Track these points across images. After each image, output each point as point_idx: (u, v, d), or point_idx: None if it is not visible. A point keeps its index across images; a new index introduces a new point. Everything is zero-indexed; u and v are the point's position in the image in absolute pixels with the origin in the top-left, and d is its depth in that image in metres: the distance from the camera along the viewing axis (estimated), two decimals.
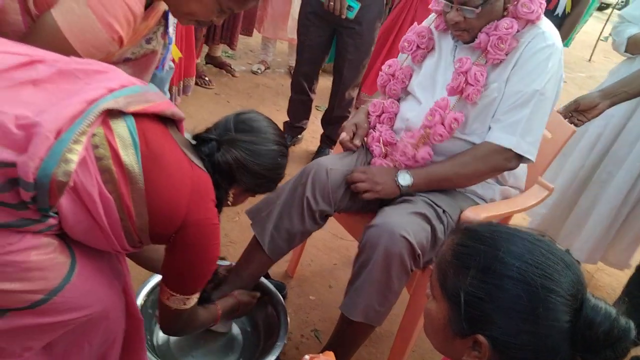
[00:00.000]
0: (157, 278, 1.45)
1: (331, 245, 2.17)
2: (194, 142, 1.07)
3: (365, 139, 1.60)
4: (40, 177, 0.74)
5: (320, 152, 2.81)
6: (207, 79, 3.33)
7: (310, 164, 1.47)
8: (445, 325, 0.74)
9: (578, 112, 1.67)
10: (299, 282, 1.93)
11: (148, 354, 1.22)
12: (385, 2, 2.47)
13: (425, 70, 1.52)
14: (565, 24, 2.51)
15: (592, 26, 7.69)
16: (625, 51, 1.99)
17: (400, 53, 1.61)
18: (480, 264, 0.70)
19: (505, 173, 1.48)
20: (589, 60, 6.99)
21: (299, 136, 2.93)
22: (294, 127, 2.84)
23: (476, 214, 1.39)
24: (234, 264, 1.49)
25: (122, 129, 0.85)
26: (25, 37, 0.98)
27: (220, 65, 3.58)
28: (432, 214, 1.34)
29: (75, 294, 0.87)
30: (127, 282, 1.05)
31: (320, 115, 2.88)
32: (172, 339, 1.45)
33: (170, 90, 2.42)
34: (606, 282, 2.40)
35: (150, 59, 1.22)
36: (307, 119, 2.85)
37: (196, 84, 3.26)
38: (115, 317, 0.99)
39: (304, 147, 2.96)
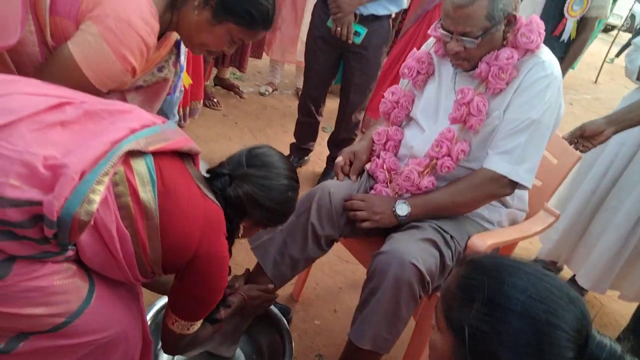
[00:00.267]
0: (162, 301, 1.45)
1: (337, 269, 2.17)
2: (208, 175, 1.10)
3: (367, 165, 1.62)
4: (63, 215, 0.78)
5: (326, 174, 2.82)
6: (215, 100, 3.37)
7: (314, 189, 1.48)
8: (449, 357, 0.73)
9: (584, 138, 1.68)
10: (304, 306, 1.92)
11: None
12: (392, 27, 2.50)
13: (427, 95, 1.53)
14: (571, 50, 2.53)
15: (598, 48, 7.74)
16: (638, 79, 2.00)
17: (401, 79, 1.63)
18: (485, 297, 0.70)
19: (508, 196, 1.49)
20: (595, 82, 7.00)
21: (306, 158, 2.95)
22: (301, 148, 2.86)
23: (483, 240, 1.39)
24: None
25: (141, 167, 0.89)
26: (42, 67, 1.02)
27: (228, 87, 3.63)
28: (440, 240, 1.35)
29: (94, 317, 0.90)
30: (140, 305, 1.08)
31: (326, 136, 2.90)
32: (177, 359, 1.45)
33: (177, 112, 2.46)
34: (614, 309, 2.37)
35: (162, 86, 1.25)
36: (314, 140, 2.88)
37: (205, 105, 3.31)
38: (133, 339, 1.02)
39: (310, 168, 2.98)
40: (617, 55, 8.44)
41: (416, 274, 1.25)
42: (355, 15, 2.27)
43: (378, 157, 1.58)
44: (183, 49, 1.31)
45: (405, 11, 3.22)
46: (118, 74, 1.04)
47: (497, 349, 0.67)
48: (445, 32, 1.34)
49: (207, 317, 1.14)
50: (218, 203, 1.03)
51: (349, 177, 1.55)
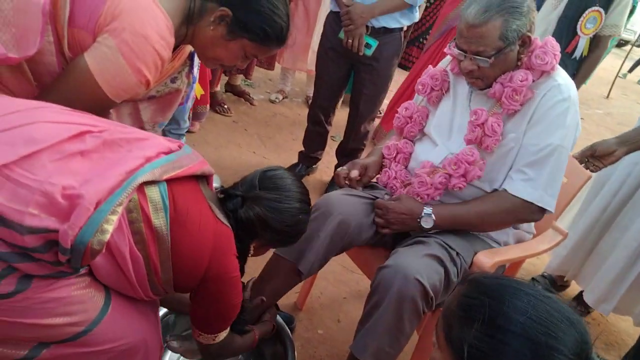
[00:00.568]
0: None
1: (341, 279, 2.17)
2: (221, 195, 1.12)
3: (378, 176, 1.63)
4: (77, 244, 0.80)
5: (333, 183, 2.83)
6: (225, 106, 3.41)
7: (329, 212, 1.45)
8: None
9: (594, 158, 1.68)
10: (307, 315, 1.93)
11: None
12: (402, 39, 2.52)
13: (441, 112, 1.54)
14: (583, 68, 2.51)
15: (611, 62, 7.70)
16: None
17: (416, 95, 1.64)
18: (485, 317, 0.70)
19: None
20: (607, 97, 6.96)
21: (314, 166, 2.97)
22: (309, 157, 2.88)
23: (489, 258, 1.39)
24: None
25: (155, 194, 0.92)
26: (58, 77, 1.04)
27: (239, 93, 3.67)
28: (445, 257, 1.35)
29: (112, 325, 0.93)
30: (158, 312, 1.11)
31: (335, 145, 2.91)
32: None
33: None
34: (621, 328, 2.34)
35: (174, 96, 1.27)
36: (323, 149, 2.89)
37: (215, 111, 3.35)
38: (152, 346, 1.04)
39: (317, 177, 2.99)
40: (630, 70, 8.39)
41: (420, 290, 1.25)
42: (367, 27, 2.29)
43: (389, 167, 1.60)
44: (196, 60, 1.34)
45: (416, 23, 3.25)
46: (132, 86, 1.06)
47: None
48: (459, 51, 1.35)
49: (235, 329, 1.19)
50: (229, 224, 1.05)
51: (355, 188, 1.56)
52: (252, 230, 1.10)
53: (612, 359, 2.12)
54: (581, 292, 2.29)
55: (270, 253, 1.46)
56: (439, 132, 1.52)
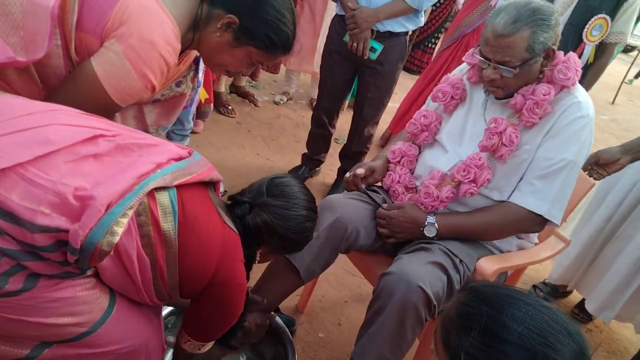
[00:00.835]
0: (168, 308, 1.48)
1: (343, 282, 2.18)
2: (229, 201, 1.13)
3: (382, 179, 1.63)
4: (86, 244, 0.81)
5: (336, 186, 2.84)
6: (230, 107, 3.41)
7: (327, 211, 1.46)
8: None
9: (598, 166, 1.67)
10: (308, 318, 1.93)
11: None
12: (407, 43, 2.52)
13: (455, 119, 1.55)
14: (589, 75, 2.50)
15: (617, 68, 7.65)
16: None
17: (431, 101, 1.64)
18: (483, 325, 0.71)
19: None
20: (612, 102, 6.92)
21: (317, 169, 2.97)
22: (312, 159, 2.88)
23: (491, 264, 1.40)
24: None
25: (164, 199, 0.93)
26: (65, 81, 1.05)
27: (243, 94, 3.68)
28: (448, 264, 1.35)
29: (115, 327, 0.94)
30: (161, 316, 1.12)
31: (338, 148, 2.92)
32: None
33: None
34: (623, 335, 2.34)
35: (179, 100, 1.28)
36: (326, 152, 2.90)
37: (220, 112, 3.36)
38: (154, 350, 1.05)
39: (320, 179, 3.00)
40: (637, 76, 8.33)
41: (422, 297, 1.25)
42: (372, 31, 2.29)
43: (393, 171, 1.60)
44: (201, 65, 1.35)
45: (422, 26, 3.25)
46: (138, 91, 1.07)
47: None
48: (483, 59, 1.34)
49: (221, 341, 1.17)
50: (237, 230, 1.06)
51: (357, 185, 1.56)
52: (258, 236, 1.11)
53: None
54: (583, 299, 2.28)
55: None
56: (451, 139, 1.52)
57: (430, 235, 1.42)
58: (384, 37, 2.33)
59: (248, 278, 1.11)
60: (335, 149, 3.01)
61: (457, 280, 1.35)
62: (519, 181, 1.41)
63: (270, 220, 1.09)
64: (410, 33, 2.48)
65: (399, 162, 1.61)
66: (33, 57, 0.98)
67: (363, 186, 1.57)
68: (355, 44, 2.30)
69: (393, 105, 3.57)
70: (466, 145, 1.47)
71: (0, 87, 1.02)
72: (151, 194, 0.91)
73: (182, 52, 1.16)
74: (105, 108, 1.07)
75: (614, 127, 5.87)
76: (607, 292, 2.08)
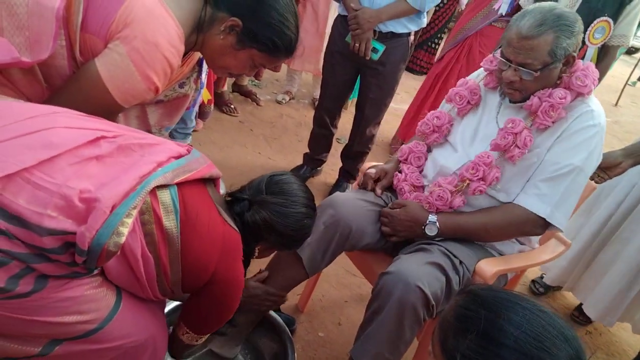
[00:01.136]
0: (172, 304, 1.49)
1: (343, 282, 2.19)
2: (228, 199, 1.14)
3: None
4: (94, 246, 0.83)
5: (338, 186, 2.85)
6: (232, 106, 3.42)
7: (328, 207, 1.48)
8: None
9: (600, 169, 1.68)
10: (308, 317, 1.94)
11: None
12: (410, 44, 2.53)
13: (467, 122, 1.56)
14: None
15: (620, 70, 7.64)
16: None
17: (445, 102, 1.64)
18: (480, 329, 0.71)
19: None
20: (615, 104, 6.90)
21: (318, 168, 2.98)
22: (314, 159, 2.89)
23: (491, 266, 1.40)
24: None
25: (166, 197, 0.94)
26: (69, 81, 1.06)
27: (246, 93, 3.69)
28: (448, 265, 1.36)
29: (123, 323, 0.96)
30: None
31: (340, 148, 2.92)
32: None
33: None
34: (622, 338, 2.34)
35: (182, 101, 1.29)
36: (328, 152, 2.90)
37: (222, 111, 3.37)
38: (160, 344, 1.07)
39: (322, 179, 3.00)
40: None
41: (421, 297, 1.26)
42: (375, 31, 2.30)
43: (400, 172, 1.62)
44: (205, 66, 1.35)
45: (424, 27, 3.26)
46: (141, 93, 1.08)
47: None
48: (503, 60, 1.35)
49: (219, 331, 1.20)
50: (236, 227, 1.07)
51: (374, 191, 1.60)
52: (257, 233, 1.12)
53: None
54: (581, 304, 2.28)
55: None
56: (462, 139, 1.53)
57: (431, 234, 1.43)
58: (387, 37, 2.33)
59: (245, 274, 1.12)
60: (336, 149, 3.02)
61: (457, 281, 1.36)
62: (526, 183, 1.42)
63: (269, 218, 1.11)
64: (412, 34, 2.48)
65: (406, 159, 1.63)
66: (38, 58, 0.99)
67: (379, 191, 1.58)
68: (357, 45, 2.30)
69: (395, 105, 3.58)
70: (477, 146, 1.48)
71: (5, 87, 1.04)
72: (153, 192, 0.93)
73: (185, 53, 1.17)
74: (108, 109, 1.08)
75: (617, 129, 5.85)
76: (608, 298, 2.08)
